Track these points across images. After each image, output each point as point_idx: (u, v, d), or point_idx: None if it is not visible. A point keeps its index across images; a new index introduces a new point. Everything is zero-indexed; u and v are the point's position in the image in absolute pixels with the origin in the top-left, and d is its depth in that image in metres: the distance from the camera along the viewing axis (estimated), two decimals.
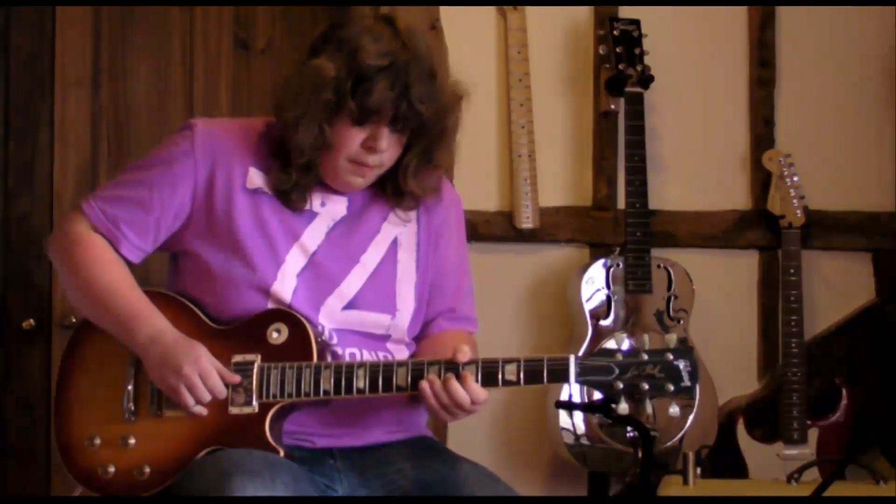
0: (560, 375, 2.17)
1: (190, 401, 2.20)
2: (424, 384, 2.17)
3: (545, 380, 2.18)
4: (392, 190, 2.37)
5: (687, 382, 2.15)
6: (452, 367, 2.18)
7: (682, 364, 2.16)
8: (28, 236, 3.39)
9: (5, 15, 3.42)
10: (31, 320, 3.40)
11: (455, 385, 2.16)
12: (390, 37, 2.22)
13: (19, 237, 3.41)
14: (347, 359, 2.29)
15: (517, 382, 2.18)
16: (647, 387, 2.16)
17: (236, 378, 2.22)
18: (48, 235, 2.43)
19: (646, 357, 2.16)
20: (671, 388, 2.15)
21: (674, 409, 2.23)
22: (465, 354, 2.18)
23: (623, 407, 2.17)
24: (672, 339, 2.18)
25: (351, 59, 2.20)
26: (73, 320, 3.28)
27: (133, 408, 2.27)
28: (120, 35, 3.49)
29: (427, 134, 2.29)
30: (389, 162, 2.30)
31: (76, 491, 2.31)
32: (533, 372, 2.17)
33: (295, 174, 2.29)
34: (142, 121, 3.49)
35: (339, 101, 2.21)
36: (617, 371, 2.16)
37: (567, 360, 2.17)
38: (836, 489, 2.39)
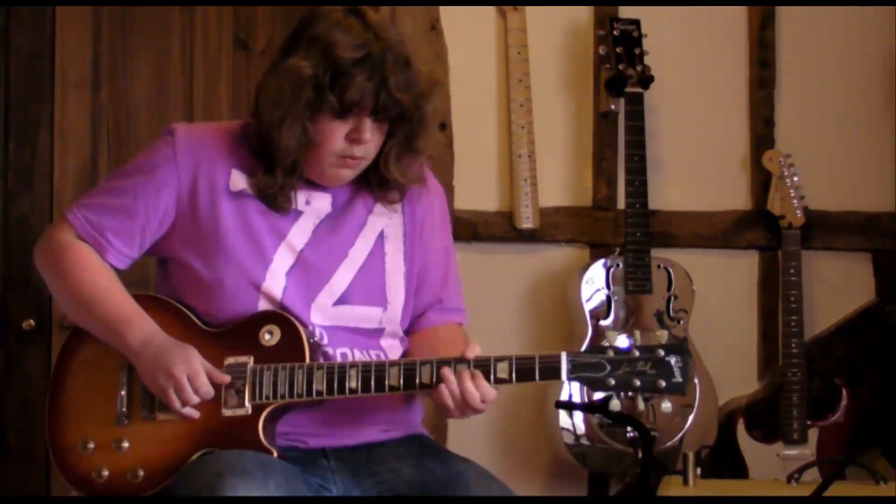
0: (552, 373, 2.17)
1: (177, 403, 2.20)
2: (447, 374, 2.17)
3: (537, 377, 2.17)
4: (377, 181, 2.36)
5: (679, 378, 2.15)
6: (445, 363, 2.18)
7: (673, 360, 2.15)
8: (28, 237, 3.39)
9: (5, 15, 3.42)
10: (31, 320, 3.40)
11: (470, 386, 2.16)
12: (361, 29, 2.23)
13: (19, 237, 3.41)
14: (339, 359, 2.29)
15: (509, 380, 2.18)
16: (638, 383, 2.15)
17: (226, 378, 2.22)
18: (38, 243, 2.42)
19: (637, 353, 2.16)
20: (663, 384, 2.15)
21: (666, 405, 2.23)
22: (473, 351, 2.19)
23: (615, 403, 2.17)
24: (664, 334, 2.18)
25: (325, 55, 2.20)
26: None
27: (126, 411, 2.26)
28: (120, 35, 3.49)
29: (407, 121, 2.29)
30: (374, 151, 2.30)
31: (72, 492, 2.31)
32: (525, 369, 2.17)
33: (280, 176, 2.28)
34: (142, 121, 3.49)
35: (319, 97, 2.21)
36: (608, 368, 2.16)
37: (558, 357, 2.16)
38: (836, 489, 2.38)
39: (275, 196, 2.30)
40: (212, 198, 2.30)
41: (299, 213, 2.34)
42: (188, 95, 3.51)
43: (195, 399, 2.20)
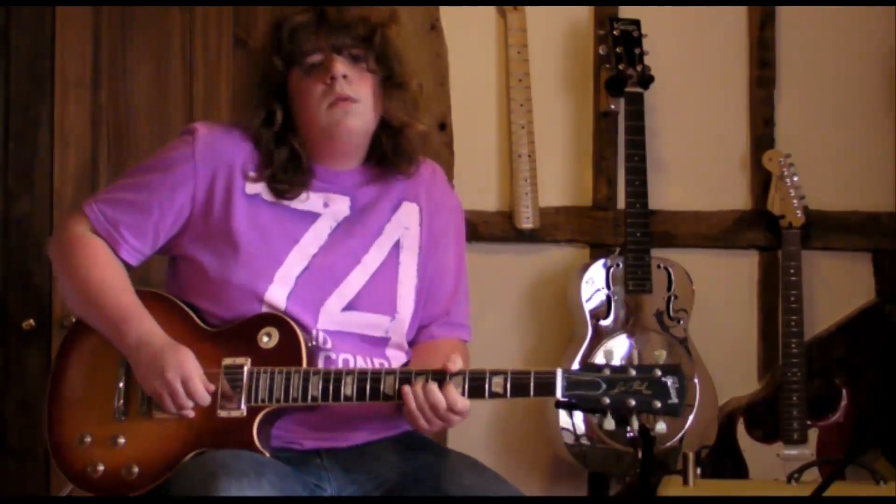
0: (547, 389, 2.16)
1: (171, 406, 2.21)
2: (406, 387, 2.17)
3: (532, 393, 2.17)
4: (389, 142, 2.38)
5: (674, 399, 2.13)
6: (440, 376, 2.18)
7: (670, 381, 2.13)
8: (28, 237, 3.39)
9: (5, 15, 3.42)
10: (31, 320, 3.40)
11: (434, 389, 2.16)
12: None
13: (19, 238, 3.41)
14: (341, 364, 2.29)
15: (504, 395, 2.17)
16: (633, 403, 2.13)
17: (212, 387, 2.22)
18: (49, 236, 2.43)
19: (633, 373, 2.14)
20: (658, 404, 2.13)
21: (661, 426, 2.22)
22: (454, 364, 2.18)
23: (609, 422, 2.16)
24: (661, 355, 2.16)
25: (276, 28, 2.33)
26: (73, 321, 3.27)
27: (123, 408, 2.28)
28: (120, 35, 3.49)
29: (378, 54, 2.34)
30: (366, 96, 2.33)
31: (65, 490, 2.32)
32: (520, 385, 2.17)
33: (277, 152, 2.32)
34: (142, 121, 3.49)
35: (281, 59, 2.31)
36: (604, 386, 2.14)
37: (554, 374, 2.16)
38: (836, 489, 2.39)
39: (280, 180, 2.31)
40: (227, 199, 2.31)
41: (316, 216, 2.35)
42: (188, 95, 3.51)
43: (189, 403, 2.21)
